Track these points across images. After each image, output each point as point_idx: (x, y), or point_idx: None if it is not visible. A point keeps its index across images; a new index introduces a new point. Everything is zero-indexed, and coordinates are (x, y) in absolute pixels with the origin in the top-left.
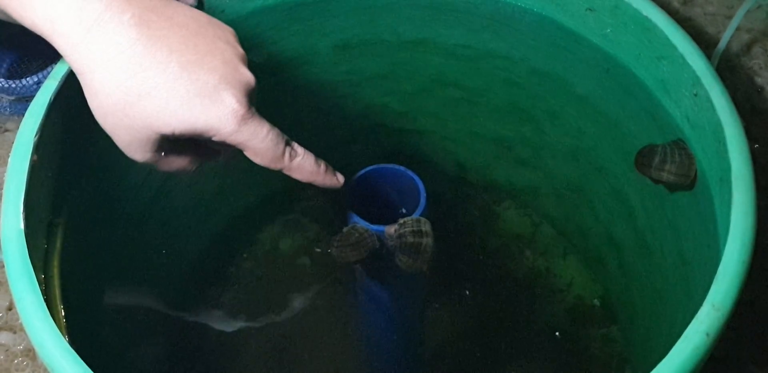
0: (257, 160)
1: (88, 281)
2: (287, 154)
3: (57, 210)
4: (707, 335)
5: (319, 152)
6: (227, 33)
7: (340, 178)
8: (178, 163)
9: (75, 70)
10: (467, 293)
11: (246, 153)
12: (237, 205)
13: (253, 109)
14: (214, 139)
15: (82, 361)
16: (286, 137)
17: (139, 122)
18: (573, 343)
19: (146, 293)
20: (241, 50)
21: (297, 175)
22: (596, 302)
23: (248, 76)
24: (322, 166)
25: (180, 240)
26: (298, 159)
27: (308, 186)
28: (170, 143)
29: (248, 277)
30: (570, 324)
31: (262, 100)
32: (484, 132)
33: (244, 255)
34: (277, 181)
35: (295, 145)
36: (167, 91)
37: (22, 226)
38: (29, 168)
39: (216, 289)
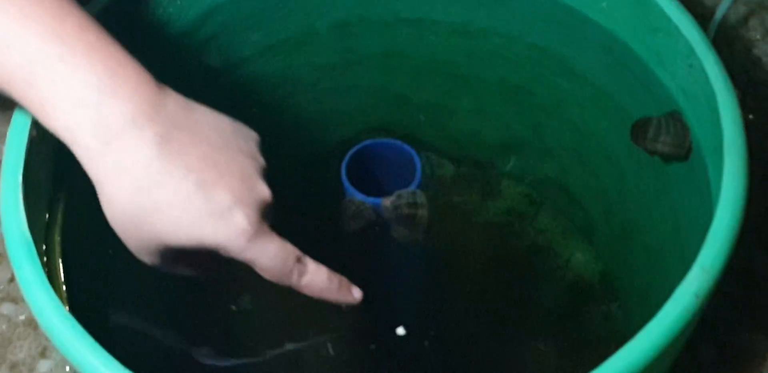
0: (266, 276)
1: (91, 255)
2: (296, 273)
3: (58, 186)
4: (696, 296)
5: (316, 132)
6: (250, 143)
7: (357, 294)
8: (188, 270)
9: (91, 178)
10: (468, 270)
11: (255, 268)
12: None
13: (266, 227)
14: (222, 254)
15: (81, 327)
16: (297, 253)
17: (148, 235)
18: (573, 320)
19: (148, 271)
20: (262, 161)
21: (307, 292)
22: (596, 279)
23: (265, 193)
24: (335, 282)
25: None
26: (307, 277)
27: None
28: (180, 252)
29: None
30: (570, 301)
31: (261, 82)
32: (483, 110)
33: None
34: None
35: (307, 261)
36: (180, 209)
37: (20, 195)
38: (28, 142)
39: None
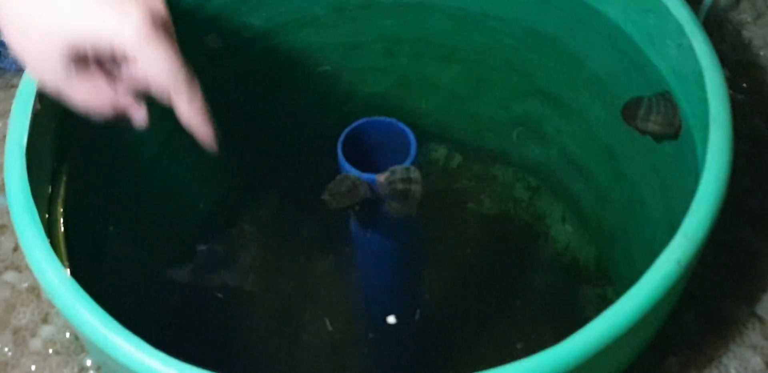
0: (152, 84)
1: (93, 228)
2: (183, 89)
3: (61, 159)
4: (678, 263)
5: (317, 113)
6: None
7: (209, 133)
8: (89, 91)
9: None
10: (464, 255)
11: (144, 76)
12: (240, 166)
13: (162, 34)
14: (119, 59)
15: (81, 288)
16: (191, 73)
17: (47, 30)
18: (569, 304)
19: (150, 246)
20: None
21: (183, 115)
22: (591, 263)
23: (159, 6)
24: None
25: (183, 198)
26: (189, 98)
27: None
28: (79, 63)
29: (252, 235)
30: (565, 285)
31: (262, 64)
32: (480, 94)
33: (248, 215)
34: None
35: (197, 86)
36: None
37: (24, 164)
38: (32, 115)
39: (221, 246)
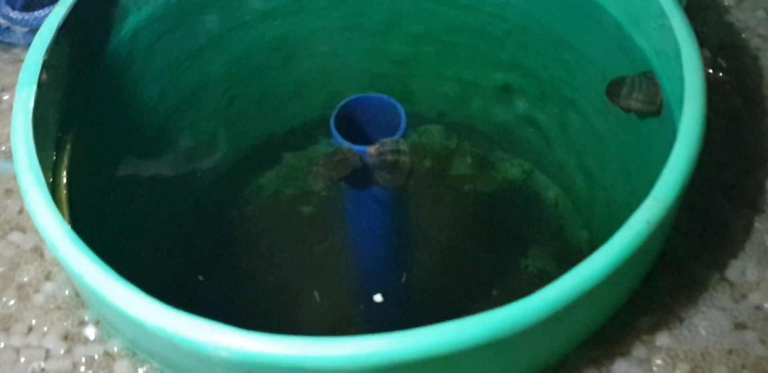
0: None
1: (96, 196)
2: None
3: (66, 128)
4: (648, 223)
5: (313, 95)
6: None
7: None
8: None
9: None
10: (453, 238)
11: None
12: (242, 144)
13: None
14: None
15: (82, 241)
16: None
17: None
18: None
19: (148, 216)
20: None
21: None
22: (583, 245)
23: None
24: None
25: (184, 173)
26: None
27: None
28: None
29: (251, 212)
30: (557, 268)
31: (261, 46)
32: (474, 78)
33: (247, 194)
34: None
35: None
36: None
37: (30, 126)
38: (38, 85)
39: (222, 216)
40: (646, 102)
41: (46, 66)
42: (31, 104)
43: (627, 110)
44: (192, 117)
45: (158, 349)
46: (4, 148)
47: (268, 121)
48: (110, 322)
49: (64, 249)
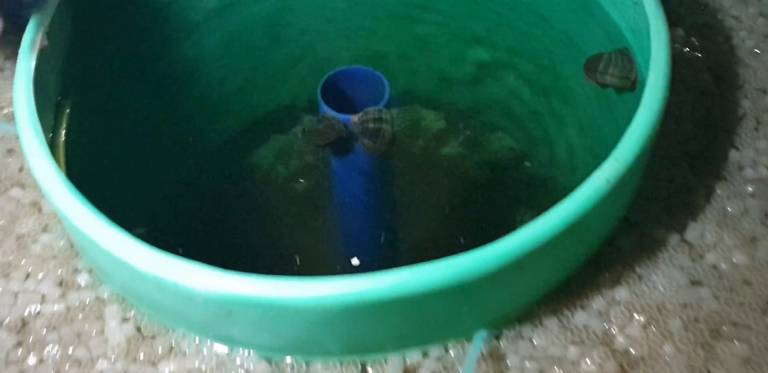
0: None
1: (93, 160)
2: None
3: (65, 93)
4: (607, 181)
5: (302, 69)
6: None
7: None
8: None
9: None
10: (438, 217)
11: None
12: (239, 118)
13: None
14: None
15: (77, 190)
16: None
17: None
18: None
19: (141, 185)
20: None
21: None
22: None
23: None
24: None
25: (177, 144)
26: None
27: None
28: None
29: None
30: None
31: (255, 23)
32: (457, 56)
33: (236, 164)
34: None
35: None
36: None
37: (31, 84)
38: (39, 50)
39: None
40: (621, 77)
41: (47, 32)
42: (33, 65)
43: (603, 85)
44: (188, 90)
45: (145, 291)
46: (6, 111)
47: (263, 96)
48: (101, 267)
49: (58, 196)
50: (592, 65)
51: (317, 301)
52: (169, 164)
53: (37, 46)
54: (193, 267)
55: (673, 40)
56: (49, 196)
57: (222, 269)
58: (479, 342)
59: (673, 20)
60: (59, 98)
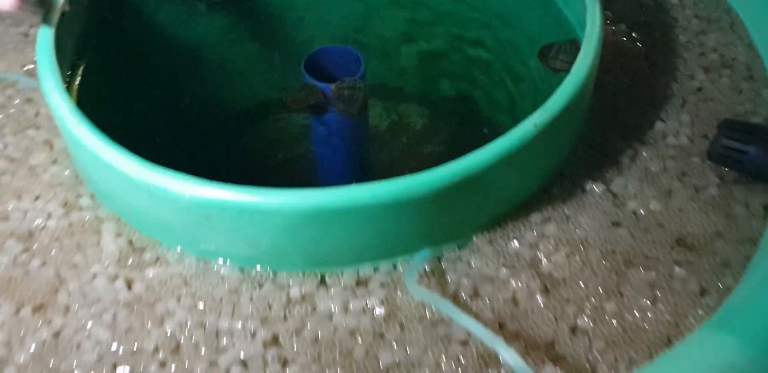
0: None
1: (98, 113)
2: None
3: (81, 54)
4: (535, 125)
5: (291, 52)
6: None
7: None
8: None
9: None
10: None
11: None
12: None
13: None
14: None
15: (86, 118)
16: None
17: None
18: None
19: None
20: None
21: None
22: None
23: None
24: None
25: (182, 114)
26: None
27: None
28: None
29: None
30: None
31: (252, 13)
32: (432, 48)
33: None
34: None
35: None
36: None
37: (52, 40)
38: (60, 14)
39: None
40: (568, 62)
41: (69, 1)
42: (54, 26)
43: (554, 70)
44: (189, 65)
45: (138, 203)
46: (26, 68)
47: (259, 75)
48: (100, 186)
49: (69, 120)
50: (545, 52)
51: (282, 206)
52: (167, 118)
53: (59, 11)
54: (179, 175)
55: (616, 33)
56: (61, 119)
57: (203, 179)
58: (423, 257)
59: (618, 17)
60: (75, 58)
